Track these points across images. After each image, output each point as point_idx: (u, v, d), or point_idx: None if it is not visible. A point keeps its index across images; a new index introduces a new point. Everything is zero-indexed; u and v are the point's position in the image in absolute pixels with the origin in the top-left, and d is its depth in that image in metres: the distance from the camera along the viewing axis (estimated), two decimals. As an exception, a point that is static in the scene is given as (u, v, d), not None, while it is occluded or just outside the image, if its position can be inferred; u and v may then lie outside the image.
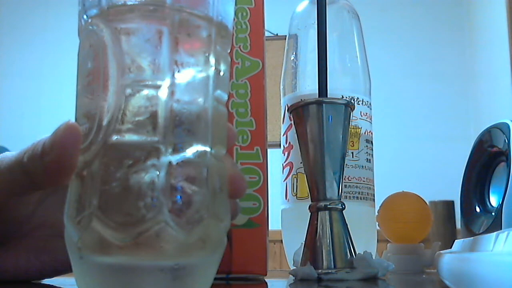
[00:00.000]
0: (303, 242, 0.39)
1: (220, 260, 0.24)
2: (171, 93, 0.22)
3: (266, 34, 0.44)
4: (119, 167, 0.21)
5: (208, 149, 0.23)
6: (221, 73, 0.24)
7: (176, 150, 0.22)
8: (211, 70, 0.24)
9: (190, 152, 0.22)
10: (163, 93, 0.22)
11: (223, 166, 0.24)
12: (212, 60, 0.24)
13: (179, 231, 0.21)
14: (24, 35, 2.68)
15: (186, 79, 0.23)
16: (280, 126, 0.52)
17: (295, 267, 0.39)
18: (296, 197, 0.49)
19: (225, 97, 0.25)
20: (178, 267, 0.21)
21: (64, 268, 0.32)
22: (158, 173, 0.21)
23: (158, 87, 0.22)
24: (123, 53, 0.22)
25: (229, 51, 0.25)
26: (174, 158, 0.22)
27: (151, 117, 0.22)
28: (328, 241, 0.38)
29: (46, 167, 0.25)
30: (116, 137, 0.22)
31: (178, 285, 0.21)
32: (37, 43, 2.67)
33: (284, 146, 0.51)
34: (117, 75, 0.22)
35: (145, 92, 0.22)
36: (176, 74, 0.22)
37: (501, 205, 0.49)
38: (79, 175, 0.22)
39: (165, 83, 0.22)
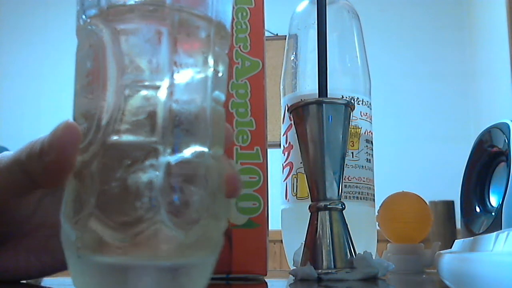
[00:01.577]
0: (303, 242, 0.39)
1: (217, 259, 0.24)
2: (170, 93, 0.22)
3: (266, 34, 0.44)
4: (118, 167, 0.21)
5: (206, 149, 0.23)
6: (220, 74, 0.24)
7: (175, 150, 0.22)
8: (210, 71, 0.24)
9: (188, 152, 0.22)
10: (162, 94, 0.22)
11: (221, 166, 0.24)
12: (210, 60, 0.24)
13: (177, 231, 0.21)
14: (24, 35, 2.68)
15: (185, 80, 0.23)
16: (280, 126, 0.52)
17: (295, 267, 0.39)
18: (296, 197, 0.49)
19: (223, 97, 0.25)
20: (176, 267, 0.21)
21: (64, 267, 0.32)
22: (156, 173, 0.21)
23: (157, 87, 0.22)
24: (122, 53, 0.22)
25: (227, 51, 0.25)
26: (173, 159, 0.22)
27: (149, 118, 0.22)
28: (328, 241, 0.38)
29: (45, 167, 0.25)
30: (114, 137, 0.22)
31: (176, 285, 0.21)
32: (37, 43, 2.67)
33: (284, 146, 0.51)
34: (116, 75, 0.22)
35: (144, 92, 0.22)
36: (175, 75, 0.23)
37: (501, 205, 0.49)
38: (77, 175, 0.22)
39: (164, 84, 0.22)
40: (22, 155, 0.27)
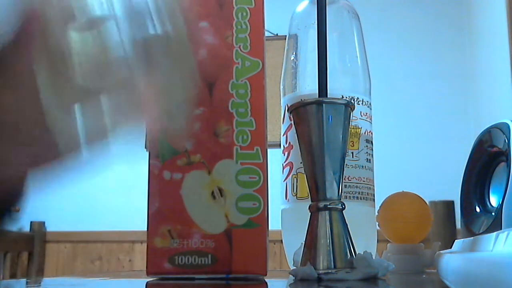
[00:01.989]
0: (303, 242, 0.39)
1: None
2: None
3: (266, 34, 0.44)
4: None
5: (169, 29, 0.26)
6: None
7: (133, 27, 0.25)
8: None
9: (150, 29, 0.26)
10: None
11: (185, 45, 0.27)
12: None
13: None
14: (24, 35, 2.68)
15: None
16: (280, 126, 0.52)
17: (295, 267, 0.39)
18: (296, 197, 0.49)
19: None
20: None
21: (55, 158, 0.32)
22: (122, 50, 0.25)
23: None
24: None
25: None
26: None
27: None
28: (328, 241, 0.38)
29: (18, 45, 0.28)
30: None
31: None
32: (37, 43, 2.67)
33: (284, 146, 0.51)
34: None
35: None
36: None
37: (501, 205, 0.49)
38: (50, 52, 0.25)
39: None
40: None
